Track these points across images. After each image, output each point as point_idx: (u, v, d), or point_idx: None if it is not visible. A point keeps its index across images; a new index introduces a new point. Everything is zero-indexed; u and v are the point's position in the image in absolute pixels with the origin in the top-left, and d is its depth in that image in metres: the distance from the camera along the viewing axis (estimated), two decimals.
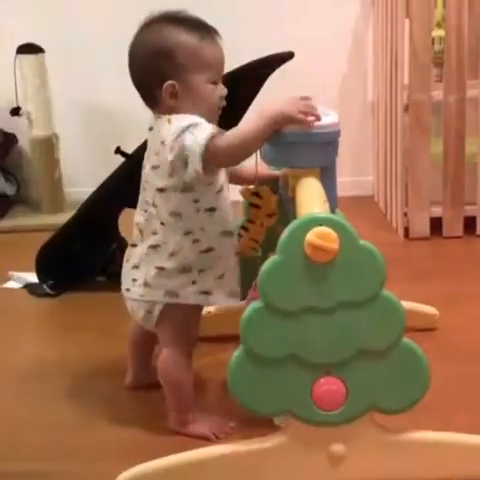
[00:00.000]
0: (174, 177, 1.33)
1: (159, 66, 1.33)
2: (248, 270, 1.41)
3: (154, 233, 1.38)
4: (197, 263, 1.38)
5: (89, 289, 2.16)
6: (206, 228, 1.37)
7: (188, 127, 1.28)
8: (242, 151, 1.30)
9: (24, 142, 2.98)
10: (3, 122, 2.93)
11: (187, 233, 1.36)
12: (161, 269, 1.37)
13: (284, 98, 1.29)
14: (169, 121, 1.32)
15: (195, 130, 1.27)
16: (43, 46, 2.76)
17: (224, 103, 1.39)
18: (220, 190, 1.38)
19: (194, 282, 1.38)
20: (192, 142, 1.27)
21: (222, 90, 1.38)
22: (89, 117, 3.04)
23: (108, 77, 2.77)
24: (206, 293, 1.39)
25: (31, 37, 2.76)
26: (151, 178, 1.38)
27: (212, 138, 1.26)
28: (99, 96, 2.94)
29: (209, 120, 1.34)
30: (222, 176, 1.39)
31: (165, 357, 1.42)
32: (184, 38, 1.33)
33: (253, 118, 1.29)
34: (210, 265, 1.39)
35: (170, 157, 1.30)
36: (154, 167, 1.36)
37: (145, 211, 1.40)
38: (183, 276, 1.37)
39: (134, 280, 1.41)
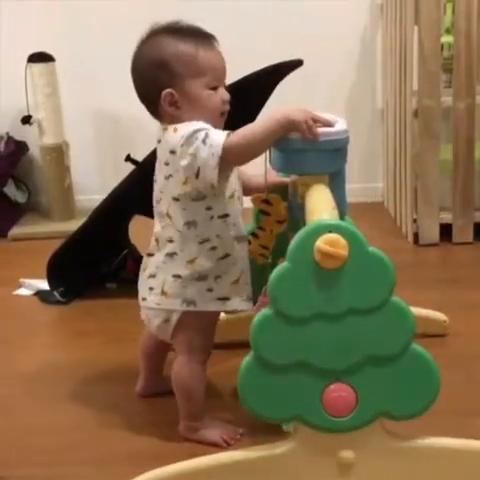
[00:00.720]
0: (187, 184, 1.33)
1: (156, 76, 1.35)
2: (258, 277, 1.42)
3: (170, 241, 1.39)
4: (213, 270, 1.38)
5: (99, 296, 2.17)
6: (221, 235, 1.38)
7: (196, 132, 1.29)
8: (249, 150, 1.29)
9: (35, 150, 3.00)
10: (14, 130, 2.96)
11: (203, 241, 1.37)
12: (178, 277, 1.38)
13: (296, 107, 1.30)
14: (175, 130, 1.33)
15: (208, 140, 1.27)
16: (54, 55, 2.78)
17: (227, 108, 1.39)
18: (231, 196, 1.39)
19: (210, 289, 1.39)
20: (207, 155, 1.27)
21: (223, 95, 1.38)
22: (99, 125, 3.06)
23: (118, 85, 2.78)
24: (223, 299, 1.40)
25: (42, 46, 2.78)
26: (166, 188, 1.38)
27: (224, 146, 1.27)
28: (109, 104, 2.96)
29: (213, 126, 1.34)
30: (233, 182, 1.40)
31: (180, 365, 1.42)
32: (179, 46, 1.35)
33: (262, 119, 1.31)
34: (226, 271, 1.39)
35: (184, 163, 1.30)
36: (167, 177, 1.37)
37: (161, 223, 1.40)
38: (200, 284, 1.38)
39: (151, 289, 1.41)
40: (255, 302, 1.45)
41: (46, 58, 2.77)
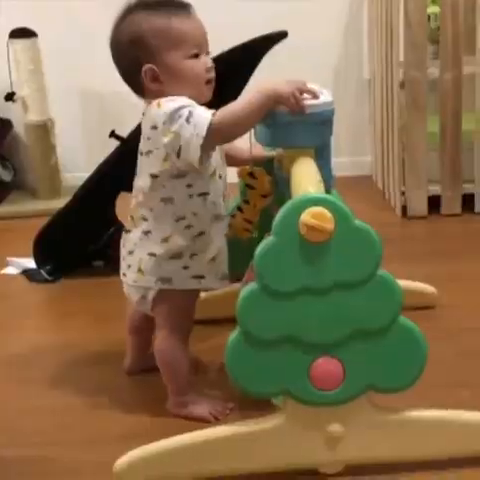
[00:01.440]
0: (167, 162, 1.32)
1: (134, 54, 1.33)
2: (243, 252, 1.41)
3: (144, 219, 1.38)
4: (188, 248, 1.37)
5: (87, 274, 2.16)
6: (198, 213, 1.37)
7: (180, 109, 1.26)
8: (235, 128, 1.28)
9: (19, 128, 2.96)
10: None
11: (179, 219, 1.36)
12: (153, 255, 1.37)
13: (282, 79, 1.28)
14: (159, 105, 1.31)
15: (192, 119, 1.25)
16: (36, 30, 2.74)
17: (213, 75, 1.37)
18: (213, 174, 1.37)
19: (186, 267, 1.38)
20: (190, 135, 1.25)
21: (206, 62, 1.36)
22: (85, 101, 3.02)
23: (103, 61, 2.74)
24: (199, 277, 1.39)
25: (24, 21, 2.73)
26: (144, 164, 1.37)
27: (210, 125, 1.25)
28: (94, 80, 2.91)
29: (200, 96, 1.33)
30: (215, 160, 1.38)
31: (160, 340, 1.42)
32: (151, 20, 1.33)
33: (248, 95, 1.29)
34: (201, 249, 1.38)
35: (165, 140, 1.29)
36: (147, 153, 1.35)
37: (136, 199, 1.39)
38: (175, 262, 1.37)
39: (129, 266, 1.41)
40: (240, 278, 1.44)
41: (28, 34, 2.72)
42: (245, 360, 1.16)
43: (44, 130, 2.84)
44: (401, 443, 1.21)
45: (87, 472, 1.30)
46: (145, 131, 1.35)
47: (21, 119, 2.88)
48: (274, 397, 1.27)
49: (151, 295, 1.39)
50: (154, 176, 1.35)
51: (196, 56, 1.34)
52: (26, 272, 2.21)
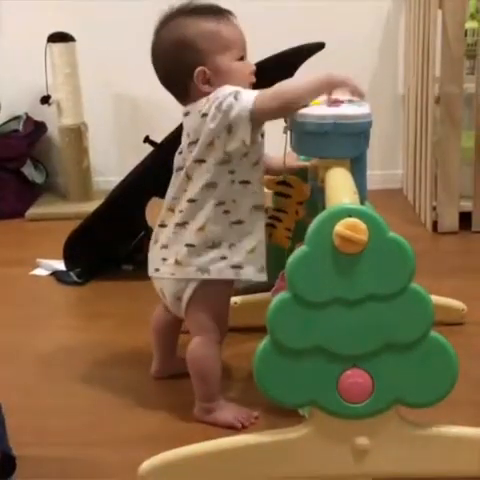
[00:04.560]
0: (214, 146, 1.33)
1: (184, 57, 1.35)
2: (276, 260, 1.41)
3: (181, 211, 1.39)
4: (227, 237, 1.38)
5: (116, 277, 2.17)
6: (238, 200, 1.38)
7: (229, 94, 1.30)
8: (281, 103, 1.29)
9: (53, 130, 3.00)
10: (33, 110, 2.96)
11: (219, 204, 1.37)
12: (191, 246, 1.38)
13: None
14: (207, 99, 1.34)
15: (239, 96, 1.29)
16: (74, 35, 2.77)
17: (254, 80, 1.40)
18: (256, 163, 1.38)
19: (224, 257, 1.38)
20: (239, 110, 1.28)
21: (250, 66, 1.41)
22: (118, 106, 3.05)
23: (137, 66, 2.77)
24: (237, 267, 1.38)
25: (62, 26, 2.77)
26: (190, 153, 1.37)
27: (256, 100, 1.28)
28: (128, 85, 2.95)
29: None
30: (260, 150, 1.39)
31: (195, 345, 1.42)
32: (200, 25, 1.36)
33: (301, 77, 1.34)
34: (240, 239, 1.38)
35: (212, 125, 1.31)
36: (191, 143, 1.37)
37: (176, 189, 1.40)
38: (213, 251, 1.37)
39: (164, 259, 1.41)
40: (272, 285, 1.44)
41: (66, 38, 2.76)
42: (274, 369, 1.16)
43: (77, 134, 2.87)
44: (428, 458, 1.20)
45: (110, 473, 1.31)
46: (193, 124, 1.36)
47: (55, 122, 2.91)
48: (301, 407, 1.26)
49: (188, 293, 1.39)
50: (199, 161, 1.36)
51: (241, 59, 1.38)
52: (55, 274, 2.23)
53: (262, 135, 1.39)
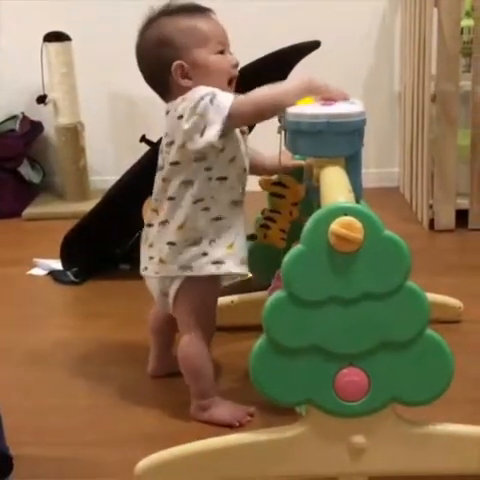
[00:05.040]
0: (186, 147, 1.34)
1: (162, 54, 1.38)
2: (272, 259, 1.41)
3: (162, 210, 1.41)
4: (207, 233, 1.39)
5: (113, 277, 2.18)
6: (216, 197, 1.38)
7: (204, 96, 1.30)
8: (258, 109, 1.30)
9: (50, 130, 3.00)
10: (29, 110, 2.95)
11: (197, 201, 1.38)
12: (172, 244, 1.39)
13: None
14: (183, 99, 1.34)
15: (215, 100, 1.30)
16: (70, 34, 2.76)
17: (237, 73, 1.41)
18: (232, 159, 1.39)
19: (205, 253, 1.39)
20: (214, 113, 1.29)
21: (232, 59, 1.41)
22: (114, 105, 3.05)
23: (134, 65, 2.77)
24: (218, 263, 1.39)
25: (58, 25, 2.76)
26: (167, 156, 1.39)
27: (232, 105, 1.29)
28: (124, 84, 2.93)
29: (224, 91, 1.35)
30: (236, 145, 1.39)
31: (184, 344, 1.43)
32: (177, 22, 1.39)
33: (280, 83, 1.32)
34: (220, 235, 1.39)
35: (186, 126, 1.32)
36: (168, 144, 1.38)
37: (158, 190, 1.42)
38: (194, 248, 1.39)
39: (151, 258, 1.44)
40: (268, 285, 1.44)
41: (62, 37, 2.76)
42: (270, 367, 1.16)
43: (74, 133, 2.87)
44: (424, 457, 1.20)
45: (108, 473, 1.31)
46: (172, 125, 1.37)
47: (52, 122, 2.91)
48: (297, 406, 1.26)
49: (173, 290, 1.41)
50: (174, 163, 1.37)
51: (221, 53, 1.39)
52: (52, 273, 2.23)
53: (242, 132, 1.41)
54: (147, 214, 1.47)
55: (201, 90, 1.33)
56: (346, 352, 1.14)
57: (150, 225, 1.45)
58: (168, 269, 1.40)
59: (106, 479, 1.30)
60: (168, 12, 1.41)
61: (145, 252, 1.46)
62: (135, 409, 1.50)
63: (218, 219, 1.39)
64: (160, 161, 1.43)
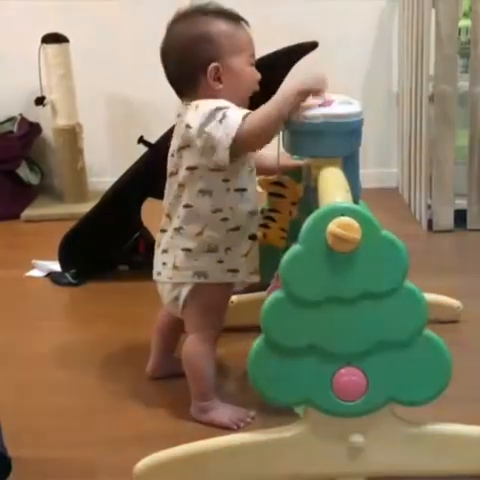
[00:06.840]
0: (205, 156, 1.33)
1: (203, 51, 1.36)
2: (271, 260, 1.41)
3: (178, 217, 1.40)
4: (223, 242, 1.39)
5: (111, 278, 2.17)
6: (235, 208, 1.38)
7: (216, 111, 1.29)
8: (263, 136, 1.30)
9: (48, 131, 3.00)
10: (27, 111, 2.96)
11: (216, 211, 1.37)
12: (188, 250, 1.39)
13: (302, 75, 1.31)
14: (197, 107, 1.33)
15: (224, 120, 1.28)
16: (68, 35, 2.76)
17: (257, 87, 1.41)
18: (251, 170, 1.40)
19: (221, 261, 1.39)
20: (220, 135, 1.28)
21: (258, 74, 1.41)
22: (112, 106, 3.05)
23: (132, 67, 2.78)
24: (233, 271, 1.40)
25: (56, 27, 2.77)
26: (182, 159, 1.38)
27: (240, 128, 1.27)
28: (122, 86, 2.94)
29: (244, 103, 1.36)
30: (252, 157, 1.40)
31: (189, 344, 1.43)
32: (219, 23, 1.37)
33: (274, 99, 1.30)
34: (236, 243, 1.40)
35: (199, 143, 1.31)
36: (183, 147, 1.37)
37: (172, 196, 1.41)
38: (210, 255, 1.39)
39: (164, 264, 1.43)
40: (267, 285, 1.44)
41: (60, 39, 2.76)
42: (268, 368, 1.16)
43: (72, 134, 2.87)
44: (422, 456, 1.20)
45: (106, 474, 1.31)
46: (181, 130, 1.37)
47: (50, 123, 2.91)
48: (296, 406, 1.26)
49: (184, 293, 1.40)
50: (192, 168, 1.36)
51: (252, 65, 1.39)
52: (51, 275, 2.23)
53: None
54: (162, 219, 1.45)
55: (214, 103, 1.31)
56: (344, 352, 1.14)
57: (164, 231, 1.44)
58: (183, 275, 1.40)
59: (104, 479, 1.30)
60: (207, 12, 1.38)
61: (158, 258, 1.45)
62: (134, 409, 1.50)
63: (236, 229, 1.39)
64: (171, 166, 1.41)
